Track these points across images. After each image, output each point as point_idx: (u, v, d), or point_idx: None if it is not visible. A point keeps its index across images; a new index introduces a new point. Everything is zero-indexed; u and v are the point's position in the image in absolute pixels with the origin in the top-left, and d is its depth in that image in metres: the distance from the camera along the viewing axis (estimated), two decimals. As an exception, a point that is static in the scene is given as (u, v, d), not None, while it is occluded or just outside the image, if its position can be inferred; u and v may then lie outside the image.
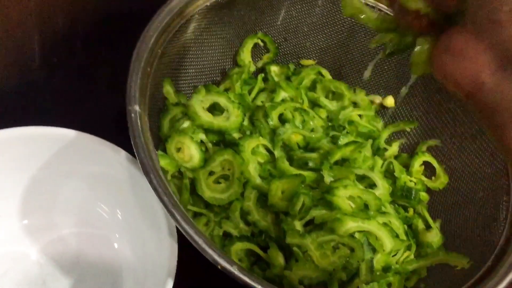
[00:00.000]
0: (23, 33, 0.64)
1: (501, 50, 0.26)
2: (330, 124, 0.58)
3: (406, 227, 0.53)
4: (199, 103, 0.55)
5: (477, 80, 0.27)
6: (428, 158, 0.58)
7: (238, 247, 0.48)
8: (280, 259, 0.48)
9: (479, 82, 0.27)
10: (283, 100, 0.58)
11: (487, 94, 0.27)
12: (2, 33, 0.63)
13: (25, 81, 0.61)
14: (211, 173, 0.51)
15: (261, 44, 0.63)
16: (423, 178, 0.58)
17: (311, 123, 0.57)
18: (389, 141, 0.62)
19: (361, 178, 0.53)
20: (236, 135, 0.54)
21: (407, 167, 0.59)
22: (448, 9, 0.29)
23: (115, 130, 0.47)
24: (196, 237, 0.38)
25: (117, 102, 0.60)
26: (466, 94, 0.28)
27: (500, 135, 0.27)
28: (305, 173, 0.51)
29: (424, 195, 0.57)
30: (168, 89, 0.54)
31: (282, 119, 0.56)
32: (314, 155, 0.53)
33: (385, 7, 0.59)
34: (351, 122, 0.59)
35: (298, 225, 0.48)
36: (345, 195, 0.49)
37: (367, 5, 0.60)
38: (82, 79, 0.64)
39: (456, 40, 0.28)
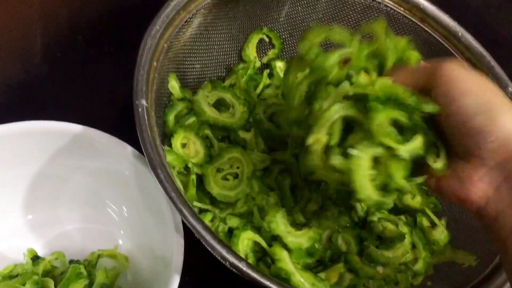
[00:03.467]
0: (26, 27, 0.64)
1: (500, 169, 0.33)
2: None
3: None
4: (205, 98, 0.54)
5: (483, 197, 0.34)
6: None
7: (245, 236, 0.47)
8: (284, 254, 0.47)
9: (485, 198, 0.34)
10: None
11: (491, 207, 0.34)
12: (5, 27, 0.63)
13: (28, 75, 0.61)
14: (219, 170, 0.51)
15: (267, 39, 0.63)
16: None
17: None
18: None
19: None
20: (241, 134, 0.53)
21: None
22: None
23: (119, 125, 0.47)
24: (204, 233, 0.38)
25: (121, 96, 0.60)
26: (477, 209, 0.35)
27: (500, 239, 0.33)
28: None
29: None
30: (173, 84, 0.54)
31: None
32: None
33: (391, 3, 0.59)
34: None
35: None
36: None
37: (374, 0, 0.59)
38: (85, 73, 0.63)
39: (463, 169, 0.34)
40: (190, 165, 0.50)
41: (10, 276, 0.44)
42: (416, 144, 0.35)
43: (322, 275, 0.48)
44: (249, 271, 0.37)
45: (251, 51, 0.61)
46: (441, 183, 0.36)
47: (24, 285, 0.42)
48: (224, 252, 0.37)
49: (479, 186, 0.34)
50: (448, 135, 0.35)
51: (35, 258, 0.46)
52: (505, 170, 0.33)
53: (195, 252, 0.43)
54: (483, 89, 0.33)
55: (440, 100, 0.34)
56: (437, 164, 0.36)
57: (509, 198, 0.32)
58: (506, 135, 0.32)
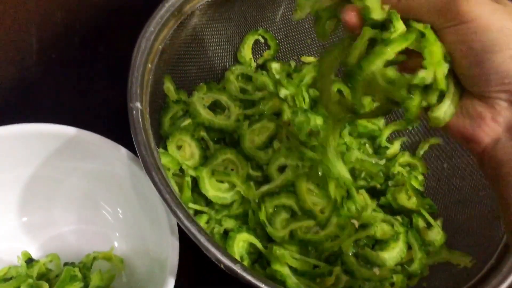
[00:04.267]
0: (20, 28, 0.63)
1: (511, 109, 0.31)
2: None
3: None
4: (200, 100, 0.54)
5: (494, 138, 0.32)
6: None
7: (241, 238, 0.47)
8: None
9: (495, 139, 0.32)
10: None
11: (501, 150, 0.31)
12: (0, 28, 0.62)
13: (23, 77, 0.61)
14: (213, 172, 0.51)
15: (262, 40, 0.63)
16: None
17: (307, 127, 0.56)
18: (390, 140, 0.61)
19: None
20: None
21: (409, 165, 0.59)
22: None
23: (114, 127, 0.47)
24: (199, 235, 0.38)
25: (116, 98, 0.60)
26: (482, 151, 0.32)
27: (502, 187, 0.31)
28: None
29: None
30: (168, 86, 0.54)
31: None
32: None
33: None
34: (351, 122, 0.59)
35: None
36: None
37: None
38: (80, 75, 0.63)
39: (475, 106, 0.32)
40: (185, 167, 0.50)
41: (5, 279, 0.44)
42: None
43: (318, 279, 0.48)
44: (244, 274, 0.37)
45: (246, 52, 0.61)
46: (452, 122, 0.34)
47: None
48: (218, 255, 0.37)
49: (491, 125, 0.32)
50: (461, 74, 0.33)
51: (30, 261, 0.46)
52: None
53: (190, 254, 0.43)
54: (505, 26, 0.30)
55: (451, 39, 0.32)
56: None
57: None
58: None
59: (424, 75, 0.32)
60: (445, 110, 0.33)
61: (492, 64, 0.30)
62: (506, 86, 0.30)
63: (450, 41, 0.32)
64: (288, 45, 0.64)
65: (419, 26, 0.32)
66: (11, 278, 0.44)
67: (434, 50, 0.32)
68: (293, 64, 0.64)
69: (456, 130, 0.34)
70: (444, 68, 0.32)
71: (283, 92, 0.59)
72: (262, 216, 0.48)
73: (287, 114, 0.56)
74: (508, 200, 0.31)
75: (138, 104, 0.42)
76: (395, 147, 0.60)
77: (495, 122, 0.32)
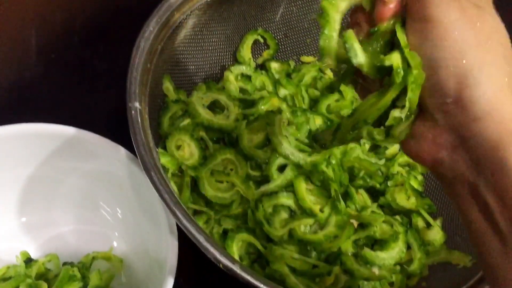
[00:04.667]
0: (20, 28, 0.63)
1: (454, 133, 0.29)
2: (329, 123, 0.58)
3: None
4: (199, 100, 0.54)
5: (437, 158, 0.31)
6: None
7: (240, 238, 0.47)
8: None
9: (439, 160, 0.31)
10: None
11: (447, 169, 0.31)
12: (-1, 28, 0.62)
13: (23, 77, 0.61)
14: (212, 172, 0.51)
15: (261, 40, 0.63)
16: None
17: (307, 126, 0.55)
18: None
19: None
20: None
21: (409, 166, 0.59)
22: None
23: (113, 127, 0.47)
24: (198, 235, 0.38)
25: (115, 98, 0.60)
26: (430, 167, 0.32)
27: (457, 203, 0.31)
28: None
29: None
30: (167, 86, 0.54)
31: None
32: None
33: None
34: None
35: None
36: None
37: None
38: (79, 75, 0.63)
39: (417, 125, 0.31)
40: (184, 167, 0.50)
41: (4, 279, 0.44)
42: None
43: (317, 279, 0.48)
44: (243, 274, 0.37)
45: (246, 52, 0.61)
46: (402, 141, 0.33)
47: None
48: (217, 255, 0.37)
49: (431, 146, 0.30)
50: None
51: (28, 261, 0.46)
52: (461, 136, 0.29)
53: (189, 254, 0.43)
54: (460, 38, 0.27)
55: (411, 38, 0.29)
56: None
57: (466, 166, 0.29)
58: (469, 100, 0.27)
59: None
60: (401, 130, 0.32)
61: (438, 80, 0.28)
62: (446, 106, 0.29)
63: (412, 41, 0.29)
64: (288, 45, 0.64)
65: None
66: (10, 278, 0.44)
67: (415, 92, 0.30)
68: (292, 64, 0.64)
69: (403, 148, 0.33)
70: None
71: (282, 92, 0.59)
72: (260, 215, 0.48)
73: (286, 114, 0.56)
74: (466, 217, 0.30)
75: (137, 104, 0.43)
76: (394, 147, 0.60)
77: (435, 144, 0.30)
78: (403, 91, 0.31)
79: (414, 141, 0.32)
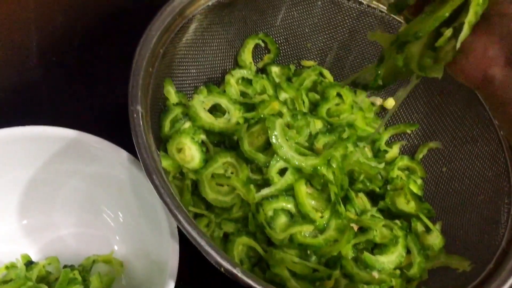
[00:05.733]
0: (21, 31, 0.63)
1: (510, 44, 0.26)
2: (329, 126, 0.58)
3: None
4: (200, 103, 0.54)
5: (487, 74, 0.27)
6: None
7: (241, 242, 0.47)
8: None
9: (489, 77, 0.27)
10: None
11: (497, 88, 0.27)
12: (0, 31, 0.62)
13: (23, 80, 0.61)
14: (213, 175, 0.51)
15: (262, 44, 0.63)
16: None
17: (307, 130, 0.56)
18: (389, 143, 0.62)
19: None
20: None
21: (408, 169, 0.59)
22: None
23: (114, 130, 0.47)
24: (199, 239, 0.38)
25: (116, 101, 0.60)
26: (479, 87, 0.28)
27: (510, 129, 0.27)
28: None
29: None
30: (169, 89, 0.54)
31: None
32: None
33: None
34: (350, 125, 0.59)
35: None
36: None
37: (369, 6, 0.60)
38: (80, 78, 0.63)
39: (469, 37, 0.28)
40: (185, 170, 0.50)
41: (4, 281, 0.44)
42: None
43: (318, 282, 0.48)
44: (244, 277, 0.37)
45: (246, 56, 0.62)
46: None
47: (18, 291, 0.42)
48: (218, 258, 0.37)
49: (482, 60, 0.27)
50: None
51: (29, 264, 0.45)
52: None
53: (190, 257, 0.43)
54: None
55: None
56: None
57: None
58: None
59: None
60: (447, 50, 0.29)
61: None
62: (505, 6, 0.26)
63: None
64: (288, 49, 0.64)
65: None
66: (10, 281, 0.44)
67: None
68: (293, 68, 0.64)
69: (448, 66, 0.30)
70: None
71: (283, 96, 0.59)
72: (261, 218, 0.48)
73: (286, 118, 0.56)
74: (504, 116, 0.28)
75: (139, 107, 0.43)
76: (394, 151, 0.61)
77: (486, 57, 0.27)
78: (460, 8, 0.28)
79: (461, 56, 0.28)
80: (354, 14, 0.61)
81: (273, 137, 0.51)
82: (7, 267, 0.46)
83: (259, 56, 0.64)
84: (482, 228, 0.51)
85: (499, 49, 0.27)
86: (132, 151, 0.43)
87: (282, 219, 0.50)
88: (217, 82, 0.61)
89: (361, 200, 0.55)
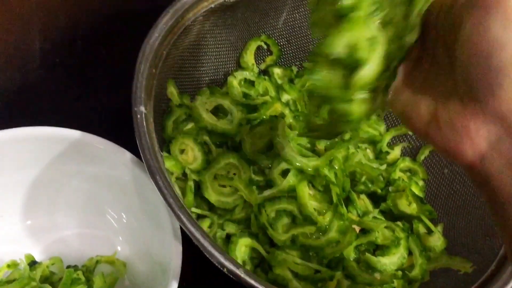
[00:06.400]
0: (24, 32, 0.64)
1: (502, 120, 0.27)
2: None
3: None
4: (203, 105, 0.55)
5: (478, 152, 0.28)
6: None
7: (243, 243, 0.47)
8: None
9: (479, 154, 0.28)
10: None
11: (488, 164, 0.28)
12: (2, 32, 0.63)
13: (26, 81, 0.61)
14: (216, 176, 0.51)
15: (264, 46, 0.63)
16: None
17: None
18: (391, 145, 0.62)
19: None
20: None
21: (410, 171, 0.59)
22: None
23: (117, 130, 0.47)
24: (202, 240, 0.38)
25: (119, 102, 0.60)
26: (469, 165, 0.29)
27: (494, 202, 0.28)
28: None
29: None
30: (172, 90, 0.54)
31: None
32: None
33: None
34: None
35: None
36: None
37: None
38: (83, 79, 0.64)
39: (459, 115, 0.29)
40: (188, 171, 0.50)
41: (8, 281, 0.44)
42: None
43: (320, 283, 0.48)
44: (247, 278, 0.37)
45: (249, 58, 0.62)
46: (430, 128, 0.31)
47: (22, 291, 0.42)
48: (222, 259, 0.38)
49: (476, 139, 0.28)
50: (457, 65, 0.29)
51: (32, 264, 0.46)
52: (506, 123, 0.27)
53: (193, 258, 0.43)
54: None
55: (468, 20, 0.27)
56: None
57: (508, 155, 0.27)
58: None
59: None
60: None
61: (502, 58, 0.26)
62: (499, 89, 0.26)
63: (478, 20, 0.27)
64: (290, 51, 0.65)
65: None
66: (14, 280, 0.44)
67: None
68: (295, 69, 0.64)
69: (439, 142, 0.31)
70: None
71: (285, 97, 0.59)
72: (264, 219, 0.48)
73: (288, 119, 0.56)
74: (503, 215, 0.28)
75: (143, 108, 0.43)
76: (395, 152, 0.61)
77: (479, 136, 0.28)
78: None
79: (454, 134, 0.29)
80: (356, 16, 0.61)
81: (276, 138, 0.51)
82: (8, 266, 0.46)
83: (261, 58, 0.64)
84: (484, 230, 0.51)
85: (491, 127, 0.28)
86: (135, 152, 0.43)
87: (284, 220, 0.50)
88: (219, 84, 0.61)
89: (363, 202, 0.55)
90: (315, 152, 0.54)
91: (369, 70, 0.30)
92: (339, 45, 0.30)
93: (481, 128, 0.28)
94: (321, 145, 0.55)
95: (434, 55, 0.32)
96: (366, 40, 0.30)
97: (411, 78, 0.34)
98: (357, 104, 0.32)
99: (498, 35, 0.26)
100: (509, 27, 0.26)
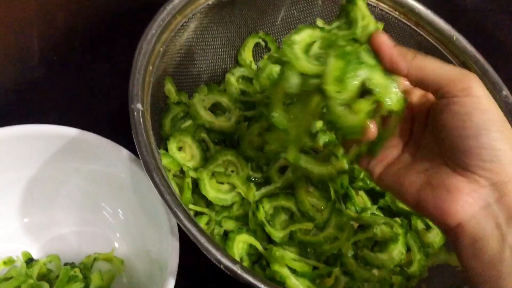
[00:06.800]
0: (23, 30, 0.64)
1: (492, 189, 0.32)
2: (329, 125, 0.58)
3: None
4: (201, 102, 0.55)
5: (468, 213, 0.33)
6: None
7: (241, 239, 0.47)
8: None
9: (469, 215, 0.33)
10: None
11: (474, 225, 0.32)
12: (1, 31, 0.63)
13: (25, 79, 0.61)
14: (213, 174, 0.51)
15: (262, 43, 0.63)
16: None
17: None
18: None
19: None
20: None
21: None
22: None
23: (114, 128, 0.47)
24: (199, 236, 0.38)
25: (117, 100, 0.60)
26: (456, 224, 0.33)
27: (475, 263, 0.32)
28: None
29: None
30: (169, 88, 0.54)
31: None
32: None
33: (387, 7, 0.59)
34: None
35: None
36: None
37: (369, 4, 0.60)
38: (81, 77, 0.64)
39: (452, 180, 0.34)
40: (185, 168, 0.50)
41: (5, 279, 0.44)
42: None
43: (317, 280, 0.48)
44: (244, 274, 0.37)
45: (247, 55, 0.62)
46: (422, 191, 0.35)
47: (19, 288, 0.42)
48: (218, 255, 0.37)
49: (468, 199, 0.33)
50: (447, 145, 0.34)
51: (29, 261, 0.46)
52: (498, 191, 0.32)
53: (190, 255, 0.43)
54: (500, 114, 0.33)
55: (453, 109, 0.33)
56: None
57: (499, 219, 0.32)
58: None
59: None
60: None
61: (487, 140, 0.32)
62: (490, 164, 0.32)
63: (453, 111, 0.33)
64: (288, 48, 0.64)
65: None
66: (11, 278, 0.44)
67: None
68: (293, 66, 0.64)
69: (431, 202, 0.35)
70: None
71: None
72: (261, 216, 0.48)
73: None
74: (481, 277, 0.32)
75: (140, 106, 0.43)
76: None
77: (471, 197, 0.33)
78: None
79: (447, 194, 0.34)
80: (354, 13, 0.61)
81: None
82: (4, 263, 0.46)
83: (260, 54, 0.64)
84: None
85: (481, 192, 0.33)
86: (132, 150, 0.43)
87: (282, 217, 0.50)
88: (217, 81, 0.61)
89: (361, 198, 0.55)
90: (314, 150, 0.54)
91: None
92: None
93: (475, 191, 0.33)
94: (319, 142, 0.55)
95: (421, 138, 0.38)
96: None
97: (401, 157, 0.39)
98: None
99: (479, 122, 0.32)
100: (486, 113, 0.32)
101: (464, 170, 0.33)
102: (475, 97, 0.33)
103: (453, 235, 0.34)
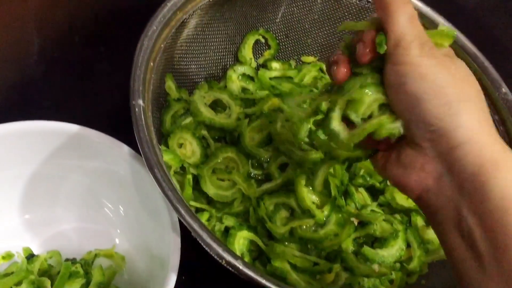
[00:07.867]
0: (22, 27, 0.64)
1: (440, 160, 0.32)
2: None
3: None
4: (201, 99, 0.55)
5: (424, 186, 0.33)
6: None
7: (242, 235, 0.48)
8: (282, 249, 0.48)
9: (425, 188, 0.33)
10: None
11: (432, 197, 0.33)
12: (1, 28, 0.63)
13: (25, 75, 0.61)
14: (214, 170, 0.51)
15: (262, 40, 0.63)
16: None
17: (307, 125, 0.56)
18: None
19: None
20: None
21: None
22: None
23: (115, 125, 0.47)
24: (201, 231, 0.38)
25: (117, 96, 0.60)
26: (417, 197, 0.34)
27: (440, 232, 0.33)
28: None
29: None
30: (170, 85, 0.54)
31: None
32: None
33: None
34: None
35: None
36: None
37: (369, 2, 0.60)
38: (81, 73, 0.64)
39: (406, 155, 0.34)
40: (186, 165, 0.50)
41: (6, 274, 0.44)
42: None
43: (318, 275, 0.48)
44: (245, 270, 0.37)
45: (247, 52, 0.62)
46: (387, 166, 0.36)
47: (20, 284, 0.42)
48: (220, 251, 0.38)
49: (420, 174, 0.33)
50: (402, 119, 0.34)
51: (30, 257, 0.46)
52: (446, 161, 0.32)
53: (191, 251, 0.43)
54: (437, 79, 0.31)
55: (391, 78, 0.33)
56: None
57: (451, 190, 0.31)
58: (451, 127, 0.31)
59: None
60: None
61: (421, 111, 0.31)
62: (430, 134, 0.31)
63: (390, 81, 0.33)
64: (289, 45, 0.65)
65: None
66: (12, 273, 0.44)
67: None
68: (293, 63, 0.64)
69: (393, 178, 0.36)
70: None
71: (283, 92, 0.59)
72: (262, 212, 0.48)
73: (286, 113, 0.56)
74: (448, 245, 0.32)
75: (141, 102, 0.43)
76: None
77: (423, 171, 0.33)
78: None
79: (404, 170, 0.34)
80: (354, 10, 0.61)
81: (274, 131, 0.51)
82: (3, 257, 0.46)
83: (260, 52, 0.64)
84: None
85: (433, 165, 0.32)
86: (134, 146, 0.43)
87: (283, 214, 0.50)
88: (217, 78, 0.61)
89: (361, 195, 0.55)
90: (314, 146, 0.54)
91: None
92: None
93: (426, 165, 0.33)
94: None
95: None
96: None
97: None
98: None
99: (414, 91, 0.31)
100: (421, 83, 0.31)
101: (413, 143, 0.33)
102: (411, 65, 0.32)
103: (417, 203, 0.35)
